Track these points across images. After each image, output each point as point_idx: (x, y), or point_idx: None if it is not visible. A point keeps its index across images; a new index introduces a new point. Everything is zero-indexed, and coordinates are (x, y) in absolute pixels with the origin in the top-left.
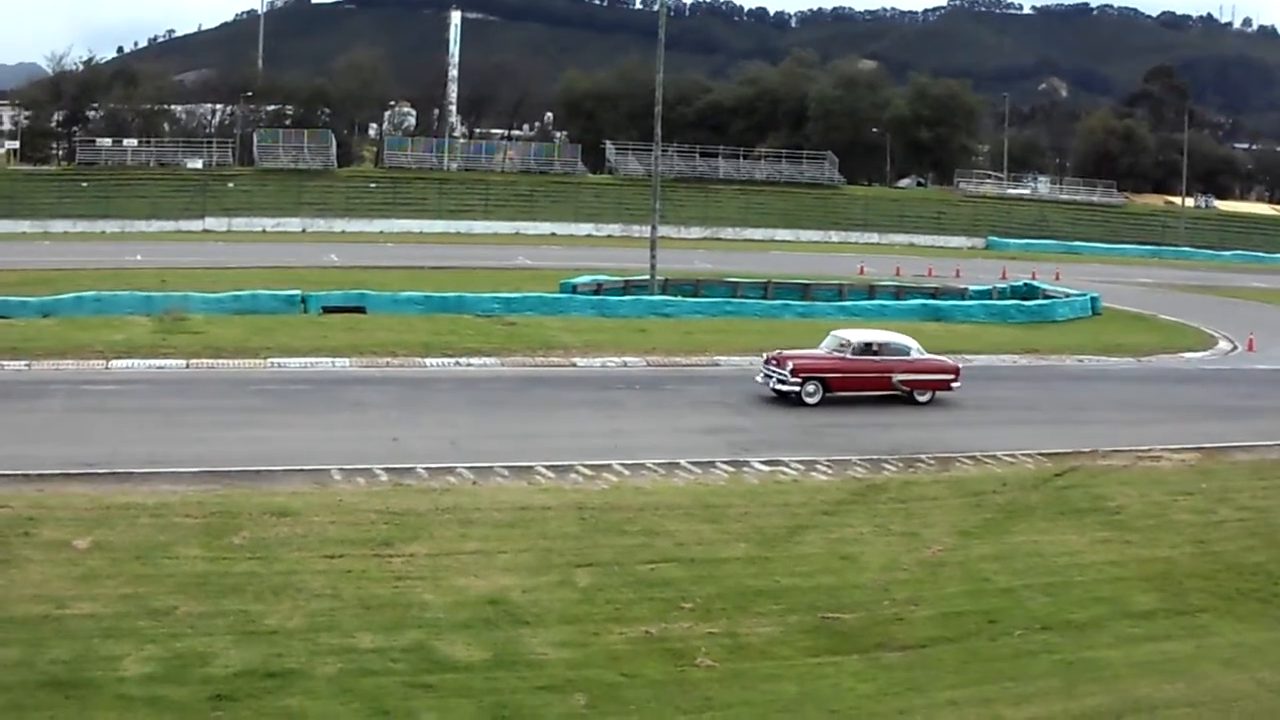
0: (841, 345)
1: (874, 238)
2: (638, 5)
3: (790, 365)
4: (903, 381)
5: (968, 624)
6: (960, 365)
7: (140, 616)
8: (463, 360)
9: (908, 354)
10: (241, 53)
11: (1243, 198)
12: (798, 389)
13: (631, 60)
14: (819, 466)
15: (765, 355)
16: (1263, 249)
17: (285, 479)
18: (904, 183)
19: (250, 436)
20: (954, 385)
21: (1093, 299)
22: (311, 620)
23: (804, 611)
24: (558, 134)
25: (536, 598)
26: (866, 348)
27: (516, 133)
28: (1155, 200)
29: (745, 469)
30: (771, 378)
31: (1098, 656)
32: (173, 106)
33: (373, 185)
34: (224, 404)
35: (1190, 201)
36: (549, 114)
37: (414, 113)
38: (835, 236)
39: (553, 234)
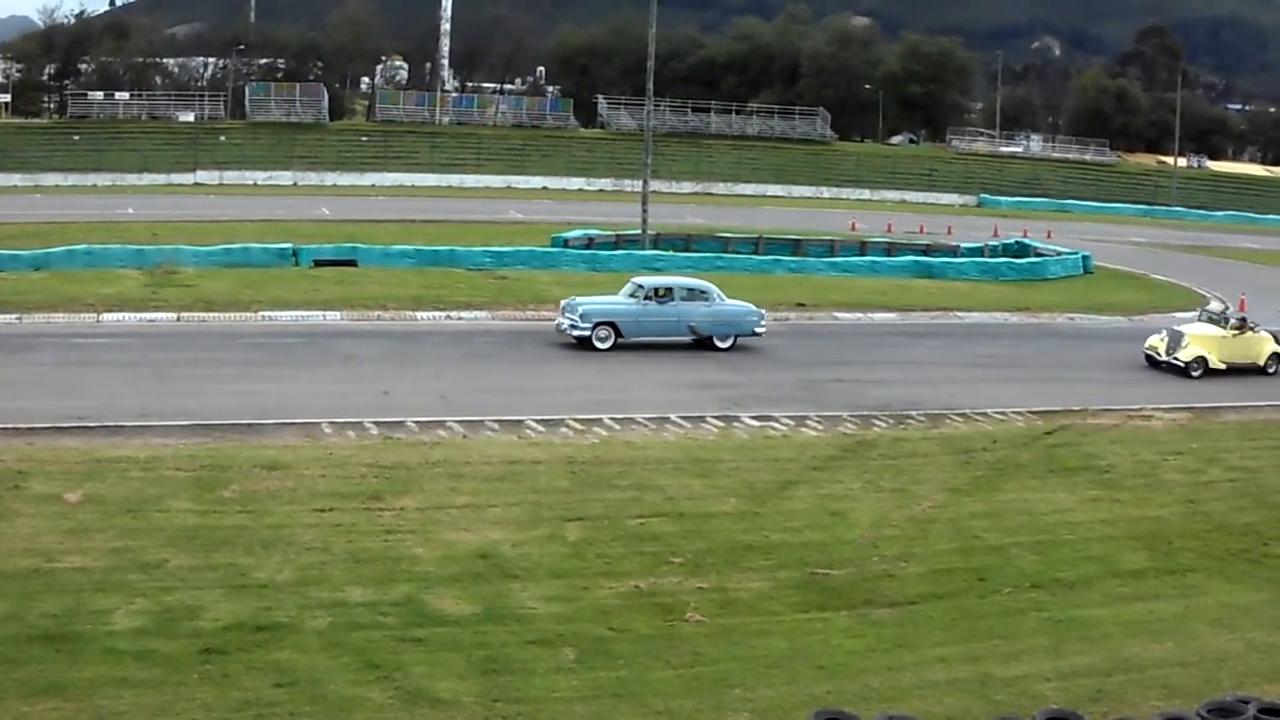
0: None
1: (865, 194)
2: None
3: None
4: None
5: (957, 581)
6: None
7: (130, 570)
8: (454, 314)
9: None
10: (233, 6)
11: (1235, 158)
12: None
13: (625, 15)
14: (809, 422)
15: None
16: (1255, 209)
17: (276, 432)
18: (896, 140)
19: (241, 390)
20: None
21: (1084, 257)
22: (301, 574)
23: (793, 567)
24: (550, 88)
25: (526, 551)
26: None
27: (509, 87)
28: (1148, 160)
29: (735, 424)
30: None
31: (1087, 615)
32: (164, 59)
33: (364, 139)
34: (215, 357)
35: (1183, 161)
36: (541, 68)
37: (406, 66)
38: (827, 193)
39: (544, 188)
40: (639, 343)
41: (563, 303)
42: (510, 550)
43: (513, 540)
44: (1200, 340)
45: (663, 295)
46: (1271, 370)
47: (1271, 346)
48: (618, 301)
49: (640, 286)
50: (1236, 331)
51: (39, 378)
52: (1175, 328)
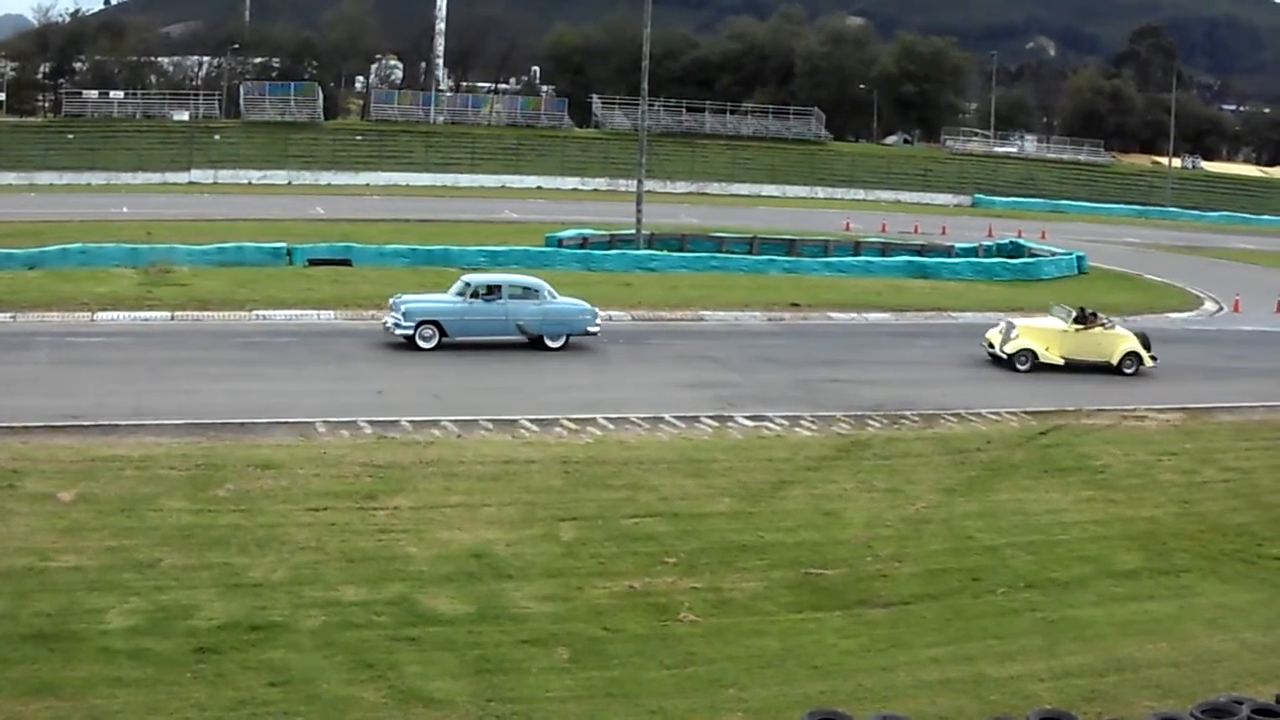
0: None
1: (860, 194)
2: None
3: None
4: None
5: (951, 581)
6: None
7: (125, 569)
8: None
9: None
10: (228, 5)
11: (1230, 159)
12: None
13: (619, 14)
14: (803, 422)
15: None
16: (1249, 210)
17: (270, 431)
18: (890, 140)
19: (235, 389)
20: None
21: (1079, 258)
22: (295, 573)
23: (787, 567)
24: (545, 88)
25: (520, 551)
26: None
27: (504, 86)
28: (1142, 160)
29: (730, 424)
30: None
31: (1081, 615)
32: (159, 58)
33: (359, 138)
34: (209, 356)
35: (1177, 162)
36: (536, 68)
37: (401, 66)
38: (821, 193)
39: (538, 187)
40: (632, 344)
41: (390, 300)
42: (504, 550)
43: (507, 540)
44: (1031, 333)
45: (489, 293)
46: (1129, 370)
47: (1128, 345)
48: (442, 300)
49: (467, 284)
50: (1080, 327)
51: (33, 376)
52: (1010, 320)
